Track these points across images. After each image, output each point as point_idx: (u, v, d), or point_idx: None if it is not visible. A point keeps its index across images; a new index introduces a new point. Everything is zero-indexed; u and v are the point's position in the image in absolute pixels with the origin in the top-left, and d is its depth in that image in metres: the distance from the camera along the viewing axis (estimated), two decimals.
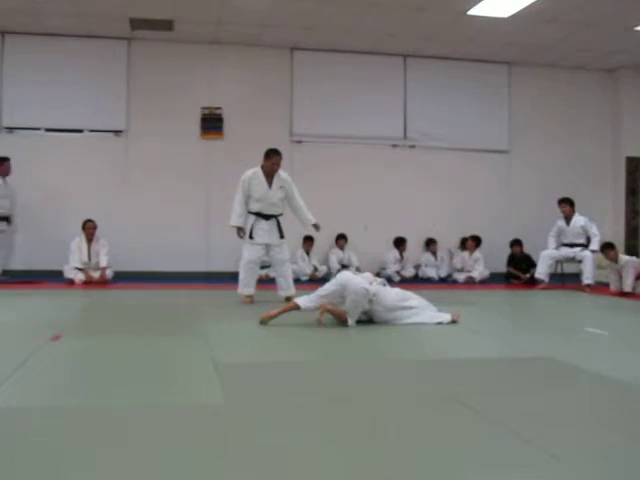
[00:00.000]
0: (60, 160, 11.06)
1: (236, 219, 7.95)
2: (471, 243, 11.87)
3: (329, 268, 11.60)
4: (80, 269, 10.07)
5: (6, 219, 10.09)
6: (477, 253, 11.81)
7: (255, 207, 7.95)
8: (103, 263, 10.20)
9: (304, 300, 6.28)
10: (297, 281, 11.09)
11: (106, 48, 11.27)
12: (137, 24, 10.59)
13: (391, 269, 11.66)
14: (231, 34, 11.15)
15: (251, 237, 7.93)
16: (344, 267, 11.43)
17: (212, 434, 2.95)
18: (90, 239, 10.28)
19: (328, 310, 6.15)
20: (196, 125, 11.61)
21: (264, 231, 7.95)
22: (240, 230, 7.96)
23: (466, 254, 11.91)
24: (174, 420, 3.16)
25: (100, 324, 6.29)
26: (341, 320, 6.17)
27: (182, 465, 2.59)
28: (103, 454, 2.69)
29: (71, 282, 9.92)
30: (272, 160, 7.91)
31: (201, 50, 11.59)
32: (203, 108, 11.61)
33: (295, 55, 11.98)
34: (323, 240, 11.66)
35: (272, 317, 6.16)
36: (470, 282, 11.51)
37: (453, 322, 6.43)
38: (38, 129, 11.19)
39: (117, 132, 11.42)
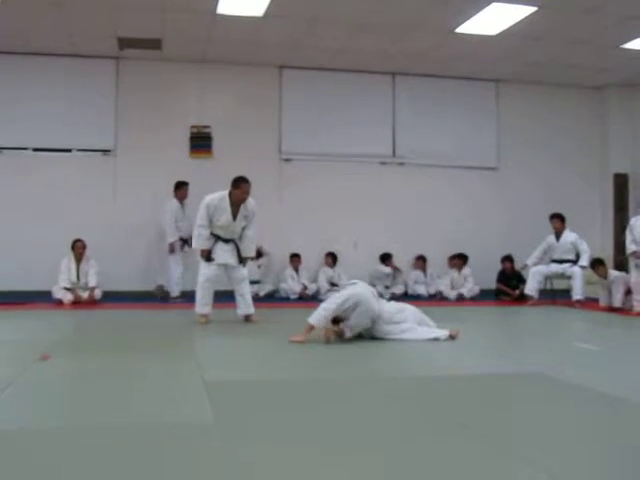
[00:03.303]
0: (48, 179, 11.01)
1: (203, 242, 7.65)
2: (458, 261, 11.87)
3: (318, 286, 11.55)
4: (69, 289, 10.01)
5: (185, 241, 10.43)
6: (466, 270, 11.81)
7: (216, 231, 7.70)
8: (92, 283, 10.15)
9: (317, 320, 6.15)
10: (287, 299, 11.15)
11: (94, 67, 11.27)
12: (125, 43, 10.60)
13: (380, 285, 11.58)
14: (220, 53, 11.18)
15: (211, 259, 7.68)
16: (333, 285, 11.41)
17: (201, 453, 2.91)
18: (79, 259, 10.23)
19: (333, 332, 6.13)
20: (185, 144, 11.61)
21: (224, 251, 7.71)
22: (206, 252, 7.67)
23: (455, 272, 11.91)
24: (162, 439, 3.12)
25: (89, 344, 6.24)
26: (338, 335, 6.16)
27: None
28: (90, 475, 2.65)
29: (60, 302, 9.85)
30: (242, 189, 7.57)
31: (190, 69, 11.61)
32: (192, 127, 11.61)
33: (284, 73, 12.02)
34: (313, 258, 11.67)
35: (301, 342, 6.08)
36: (460, 299, 11.51)
37: (451, 338, 6.40)
38: (26, 149, 11.16)
39: (105, 151, 11.40)
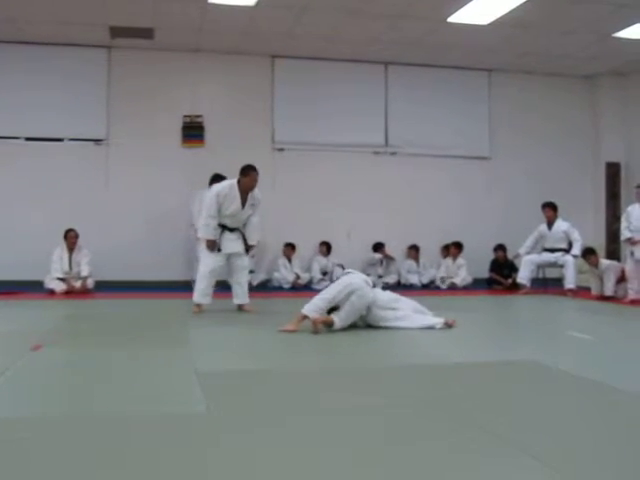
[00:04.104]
0: (40, 169, 10.98)
1: (211, 232, 7.63)
2: (454, 250, 11.92)
3: (311, 276, 11.57)
4: (61, 279, 10.00)
5: None
6: (460, 259, 11.86)
7: (223, 221, 7.69)
8: (84, 272, 10.14)
9: (312, 310, 6.16)
10: (280, 289, 11.16)
11: (86, 56, 11.21)
12: (117, 32, 10.55)
13: (373, 274, 11.60)
14: (212, 42, 11.14)
15: (219, 249, 7.66)
16: (325, 274, 11.44)
17: (194, 444, 2.91)
18: (72, 248, 10.22)
19: (321, 322, 6.11)
20: (177, 134, 11.58)
21: (231, 241, 7.72)
22: (213, 243, 7.65)
23: (449, 261, 11.95)
24: (155, 429, 3.12)
25: (81, 334, 6.23)
26: (328, 325, 6.16)
27: (162, 475, 2.57)
28: (83, 465, 2.65)
29: (52, 292, 9.84)
30: (251, 177, 7.60)
31: (182, 58, 11.56)
32: (184, 116, 11.58)
33: (276, 63, 11.98)
34: (306, 247, 11.67)
35: (292, 331, 6.09)
36: (453, 288, 11.55)
37: (447, 326, 6.41)
38: (18, 138, 11.11)
39: (97, 141, 11.36)
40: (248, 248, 7.91)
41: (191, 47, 11.39)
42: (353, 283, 6.25)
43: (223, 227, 7.73)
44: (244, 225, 7.84)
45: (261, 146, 11.70)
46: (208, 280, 7.69)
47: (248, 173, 7.61)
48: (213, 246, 7.66)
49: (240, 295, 7.85)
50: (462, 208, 12.45)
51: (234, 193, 7.63)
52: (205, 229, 7.72)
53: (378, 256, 11.91)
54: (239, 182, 7.67)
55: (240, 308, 7.84)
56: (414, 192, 12.33)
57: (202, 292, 7.69)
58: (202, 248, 7.84)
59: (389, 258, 12.03)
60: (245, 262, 7.93)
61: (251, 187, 7.66)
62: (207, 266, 7.72)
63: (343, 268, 10.99)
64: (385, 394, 3.94)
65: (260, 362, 4.96)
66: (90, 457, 2.73)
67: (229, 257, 7.81)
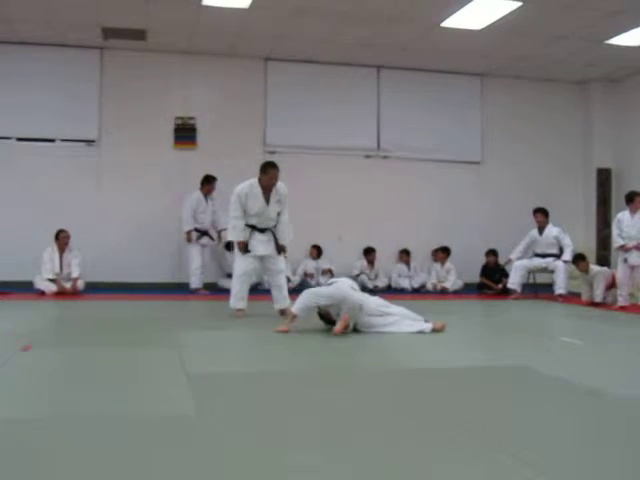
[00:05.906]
0: (31, 169, 10.94)
1: (239, 234, 7.49)
2: (442, 255, 11.93)
3: (301, 278, 11.57)
4: (52, 280, 9.97)
5: (204, 233, 10.78)
6: (448, 264, 11.88)
7: (251, 221, 7.53)
8: (75, 274, 10.11)
9: (299, 308, 6.30)
10: (270, 292, 11.12)
11: (78, 57, 11.18)
12: (110, 33, 10.53)
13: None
14: (205, 44, 11.13)
15: (248, 250, 7.51)
16: (312, 277, 11.50)
17: (181, 446, 2.90)
18: (63, 249, 10.17)
19: (344, 328, 6.19)
20: (169, 135, 11.55)
21: (261, 242, 7.54)
22: (244, 244, 7.50)
23: (438, 265, 11.96)
24: (143, 431, 3.11)
25: (71, 335, 6.21)
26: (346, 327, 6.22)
27: (143, 476, 2.57)
28: (69, 465, 2.64)
29: (42, 293, 9.81)
30: (270, 174, 7.44)
31: (174, 60, 11.54)
32: (176, 118, 11.56)
33: (269, 65, 11.98)
34: (297, 251, 11.65)
35: (285, 331, 6.27)
36: (443, 292, 11.57)
37: (435, 331, 6.42)
38: (9, 138, 11.07)
39: (89, 142, 11.33)
40: (281, 248, 7.70)
41: (184, 49, 11.38)
42: (339, 292, 6.34)
43: (253, 228, 7.57)
44: (275, 225, 7.68)
45: (253, 148, 11.67)
46: (240, 284, 7.56)
47: (266, 171, 7.49)
48: (244, 248, 7.53)
49: (280, 299, 7.65)
50: (453, 212, 12.47)
51: (255, 191, 7.48)
52: (232, 231, 7.61)
53: (358, 265, 11.90)
54: (260, 180, 7.55)
55: (282, 313, 7.51)
56: (405, 196, 12.34)
57: (236, 296, 7.57)
58: (236, 251, 7.69)
59: (372, 264, 12.00)
60: (280, 265, 7.71)
61: (271, 184, 7.50)
62: (239, 269, 7.59)
63: (332, 274, 11.03)
64: (373, 397, 3.94)
65: (251, 365, 4.96)
66: (77, 458, 2.72)
67: (262, 260, 7.64)
